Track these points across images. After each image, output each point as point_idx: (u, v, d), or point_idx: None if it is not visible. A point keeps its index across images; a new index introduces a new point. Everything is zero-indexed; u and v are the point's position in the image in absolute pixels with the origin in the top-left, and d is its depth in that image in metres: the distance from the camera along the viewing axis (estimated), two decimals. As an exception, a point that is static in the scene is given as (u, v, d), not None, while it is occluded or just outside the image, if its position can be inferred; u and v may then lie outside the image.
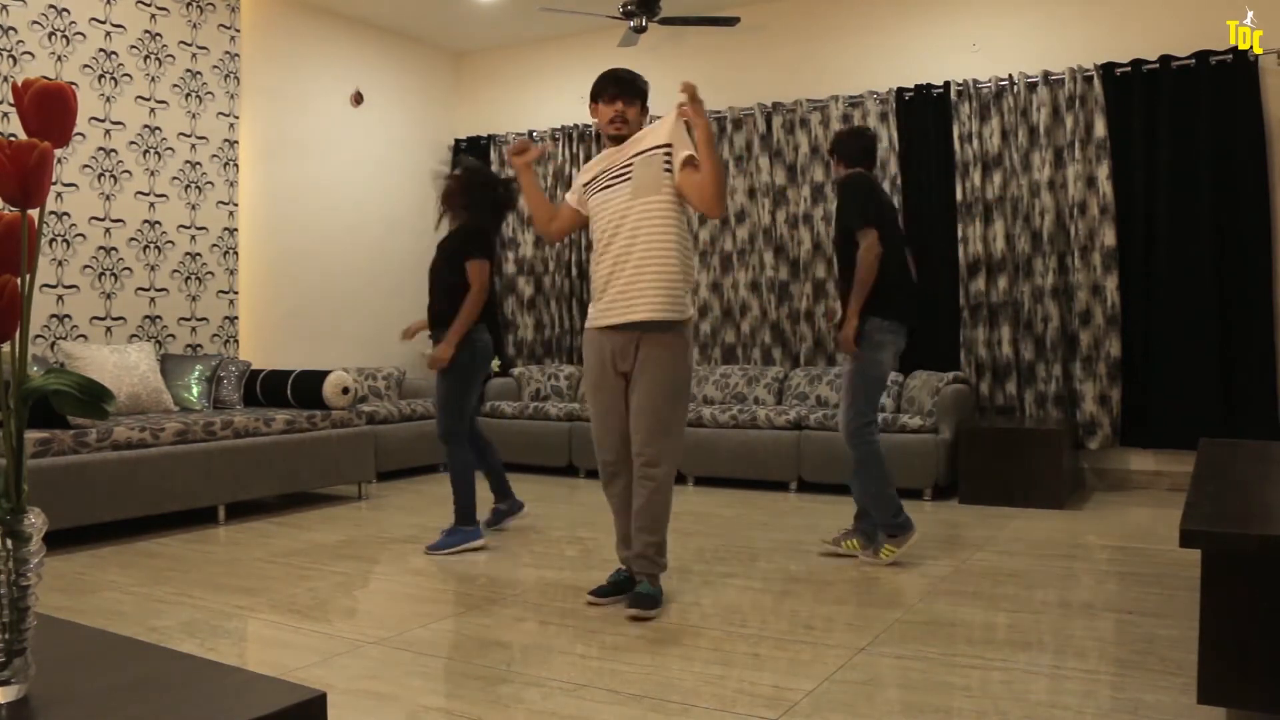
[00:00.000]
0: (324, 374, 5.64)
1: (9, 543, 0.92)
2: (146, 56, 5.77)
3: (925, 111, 6.31)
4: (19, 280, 0.91)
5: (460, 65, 8.19)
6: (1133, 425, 5.80)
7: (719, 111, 6.87)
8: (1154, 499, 5.53)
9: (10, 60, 5.11)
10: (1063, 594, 3.58)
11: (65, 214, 5.39)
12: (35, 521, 0.93)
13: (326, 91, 7.03)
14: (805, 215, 6.63)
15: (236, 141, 6.29)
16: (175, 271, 5.94)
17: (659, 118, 3.46)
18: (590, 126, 7.34)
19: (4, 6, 5.08)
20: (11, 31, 5.12)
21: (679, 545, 4.42)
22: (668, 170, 3.31)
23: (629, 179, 3.32)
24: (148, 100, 5.78)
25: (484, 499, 4.62)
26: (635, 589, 3.35)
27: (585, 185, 3.48)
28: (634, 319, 3.28)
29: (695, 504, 5.59)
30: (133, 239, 5.71)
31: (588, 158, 7.35)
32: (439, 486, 6.02)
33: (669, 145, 3.33)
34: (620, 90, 3.42)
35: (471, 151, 7.81)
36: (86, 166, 5.48)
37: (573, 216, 3.56)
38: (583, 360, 3.57)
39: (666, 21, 6.31)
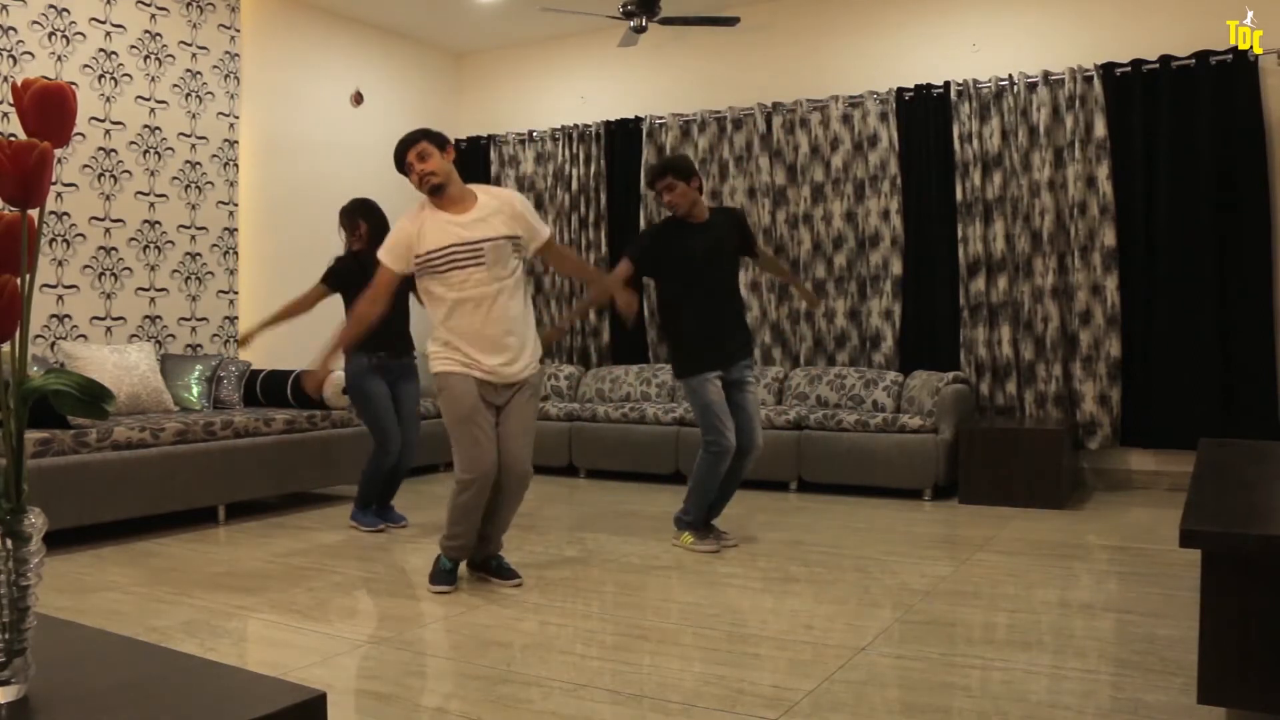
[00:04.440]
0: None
1: (9, 543, 0.92)
2: (146, 56, 5.77)
3: (925, 111, 6.30)
4: (19, 280, 0.91)
5: (460, 65, 8.19)
6: (1133, 425, 5.80)
7: (719, 111, 6.87)
8: (1154, 499, 5.53)
9: (10, 60, 5.11)
10: (1063, 594, 3.58)
11: (65, 214, 5.39)
12: (35, 521, 0.93)
13: (326, 91, 7.03)
14: (805, 215, 6.63)
15: (236, 141, 6.29)
16: (175, 271, 5.94)
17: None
18: (590, 126, 7.34)
19: (4, 6, 5.08)
20: (11, 31, 5.12)
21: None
22: (516, 253, 3.60)
23: (482, 262, 3.49)
24: (148, 100, 5.78)
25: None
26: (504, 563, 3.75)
27: (425, 257, 3.51)
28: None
29: (695, 504, 5.58)
30: (133, 239, 5.71)
31: (588, 158, 7.36)
32: (438, 486, 6.03)
33: (518, 237, 3.58)
34: (423, 151, 3.54)
35: (471, 151, 7.81)
36: (86, 166, 5.48)
37: (394, 286, 3.66)
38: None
39: (667, 21, 6.30)
